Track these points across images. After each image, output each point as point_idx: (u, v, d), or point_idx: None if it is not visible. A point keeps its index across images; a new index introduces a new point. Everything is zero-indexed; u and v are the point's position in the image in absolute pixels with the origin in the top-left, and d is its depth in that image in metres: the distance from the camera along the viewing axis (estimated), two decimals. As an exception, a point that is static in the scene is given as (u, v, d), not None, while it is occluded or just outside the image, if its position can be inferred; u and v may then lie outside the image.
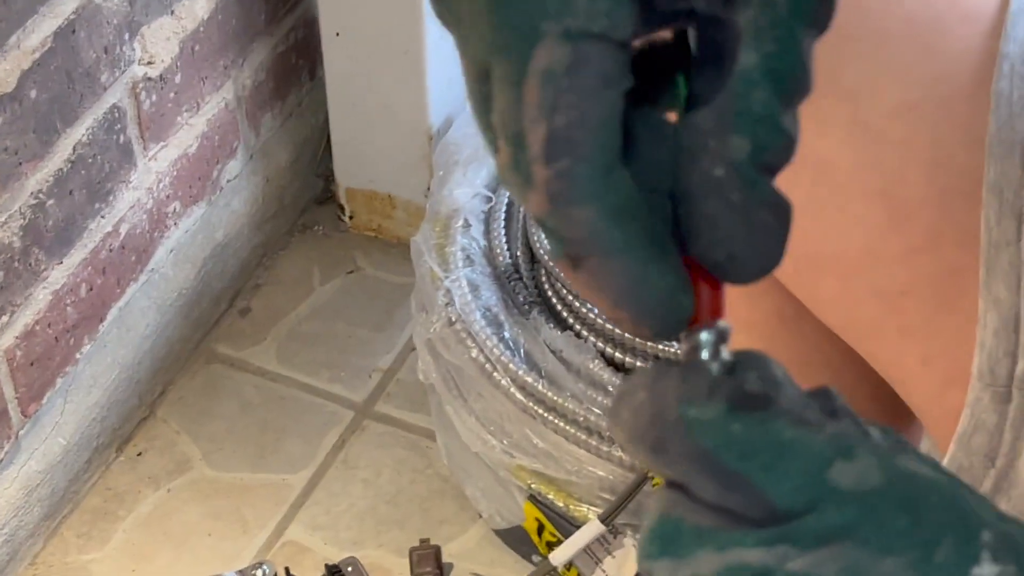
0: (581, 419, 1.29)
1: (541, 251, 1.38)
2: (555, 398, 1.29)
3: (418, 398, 1.52)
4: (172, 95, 1.44)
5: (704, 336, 0.42)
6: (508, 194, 1.45)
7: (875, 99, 0.69)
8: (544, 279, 1.38)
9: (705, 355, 0.42)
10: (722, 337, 0.42)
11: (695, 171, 0.41)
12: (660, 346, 1.29)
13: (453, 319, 1.34)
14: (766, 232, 0.41)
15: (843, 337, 0.75)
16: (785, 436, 0.40)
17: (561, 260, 0.41)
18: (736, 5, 0.40)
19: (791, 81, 0.40)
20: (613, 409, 0.42)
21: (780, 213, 0.41)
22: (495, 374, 1.32)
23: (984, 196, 0.67)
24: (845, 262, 0.72)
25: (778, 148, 0.41)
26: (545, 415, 1.30)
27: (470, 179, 1.44)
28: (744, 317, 0.81)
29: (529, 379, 1.30)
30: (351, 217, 1.68)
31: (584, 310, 1.33)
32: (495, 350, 1.32)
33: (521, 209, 1.44)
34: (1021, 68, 0.67)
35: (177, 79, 1.44)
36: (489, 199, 1.44)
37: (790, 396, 0.41)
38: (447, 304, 1.35)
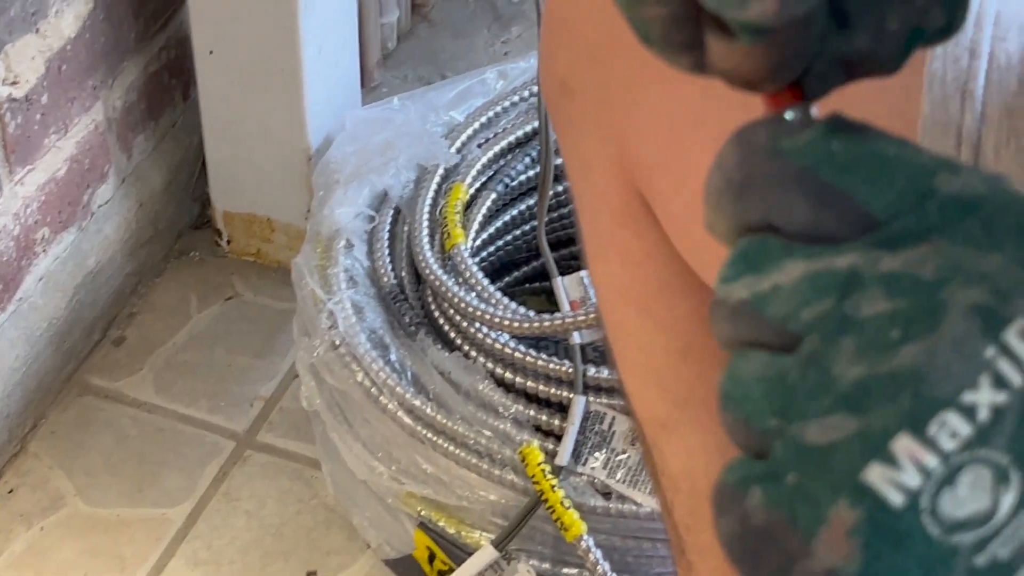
0: (471, 442, 1.25)
1: (427, 271, 1.34)
2: (444, 421, 1.26)
3: (301, 426, 1.48)
4: (39, 116, 1.38)
5: (788, 114, 0.41)
6: (392, 213, 1.41)
7: None
8: (430, 299, 1.35)
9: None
10: (808, 115, 0.41)
11: None
12: (552, 365, 1.26)
13: (337, 342, 1.30)
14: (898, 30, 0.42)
15: None
16: (888, 152, 0.39)
17: (742, 45, 0.40)
18: None
19: None
20: (705, 189, 0.41)
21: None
22: (381, 398, 1.28)
23: None
24: None
25: None
26: (434, 439, 1.26)
27: (351, 198, 1.40)
28: (662, 318, 0.79)
29: (417, 402, 1.26)
30: (229, 241, 1.63)
31: (472, 330, 1.30)
32: (381, 373, 1.28)
33: (406, 228, 1.40)
34: (953, 49, 0.66)
35: (44, 100, 1.39)
36: (372, 219, 1.40)
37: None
38: (330, 327, 1.31)
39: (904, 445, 0.37)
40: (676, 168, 0.74)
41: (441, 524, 1.27)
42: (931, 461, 0.37)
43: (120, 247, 1.55)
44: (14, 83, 1.34)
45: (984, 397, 0.38)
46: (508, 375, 1.27)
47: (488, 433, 1.25)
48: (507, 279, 1.50)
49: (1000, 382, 0.38)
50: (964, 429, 0.37)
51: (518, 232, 1.48)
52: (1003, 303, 0.38)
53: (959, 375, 0.37)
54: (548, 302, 1.52)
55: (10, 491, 1.43)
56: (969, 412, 0.37)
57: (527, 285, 1.53)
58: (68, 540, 1.40)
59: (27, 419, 1.46)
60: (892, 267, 0.38)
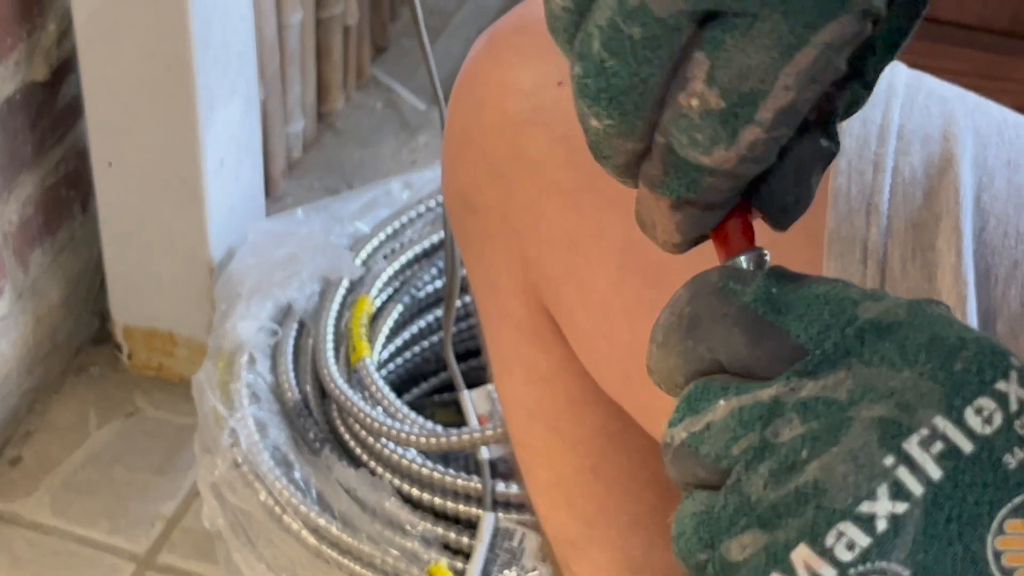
0: (378, 562, 1.22)
1: (332, 386, 1.31)
2: (350, 540, 1.23)
3: (205, 546, 1.44)
4: (-70, 231, 1.35)
5: (743, 259, 0.44)
6: (296, 327, 1.38)
7: None
8: (336, 414, 1.32)
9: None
10: (762, 259, 0.45)
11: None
12: (460, 481, 1.24)
13: (239, 460, 1.27)
14: (816, 180, 0.44)
15: None
16: (819, 290, 0.41)
17: (667, 197, 0.43)
18: None
19: (895, 52, 0.43)
20: (654, 328, 0.44)
21: (828, 163, 0.44)
22: (285, 517, 1.24)
23: None
24: None
25: (861, 105, 0.43)
26: (340, 559, 1.23)
27: (254, 312, 1.37)
28: (571, 435, 0.77)
29: (322, 521, 1.23)
30: (130, 356, 1.60)
31: (379, 446, 1.27)
32: (284, 492, 1.25)
33: (311, 342, 1.37)
34: (858, 163, 0.65)
35: (-64, 214, 1.35)
36: (275, 333, 1.37)
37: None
38: (232, 445, 1.28)
39: (802, 556, 0.38)
40: (579, 280, 0.73)
41: (348, 647, 1.24)
42: (828, 571, 0.38)
43: (16, 364, 1.51)
44: (-96, 198, 1.31)
45: (882, 507, 0.38)
46: (415, 492, 1.25)
47: (395, 552, 1.22)
48: (415, 391, 1.47)
49: (900, 492, 0.38)
50: (862, 540, 0.38)
51: (426, 344, 1.46)
52: (907, 415, 0.39)
53: (855, 485, 0.38)
54: (458, 413, 1.50)
55: (-101, 620, 1.38)
56: (867, 522, 0.38)
57: (435, 397, 1.50)
58: (-40, 670, 1.35)
59: (-83, 544, 1.41)
60: (811, 393, 0.40)
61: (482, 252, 0.79)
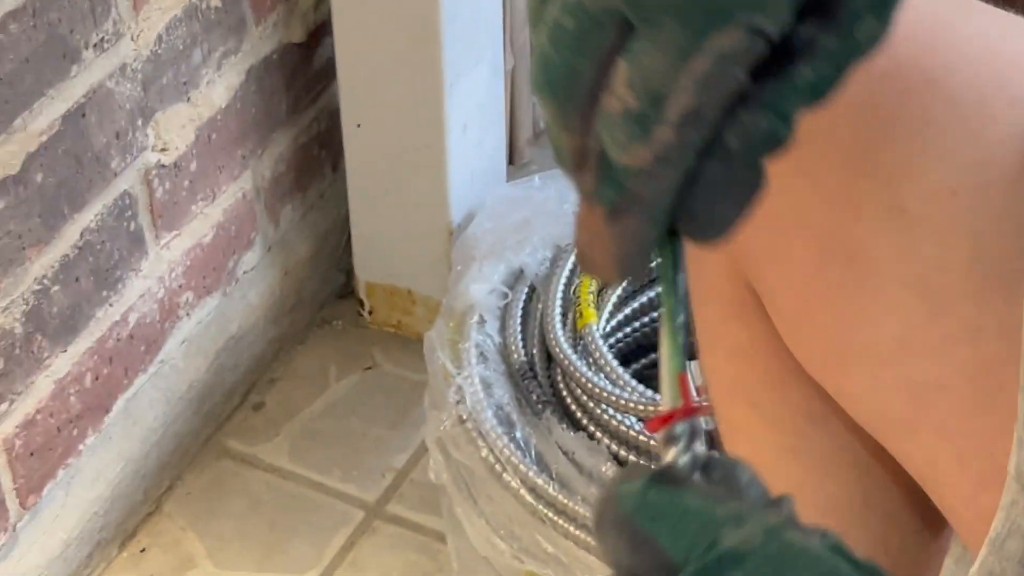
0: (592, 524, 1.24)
1: (557, 351, 1.34)
2: (566, 502, 1.25)
3: (430, 499, 1.48)
4: (187, 183, 1.42)
5: (679, 428, 0.48)
6: (526, 291, 1.41)
7: (914, 183, 0.66)
8: (560, 378, 1.35)
9: (680, 446, 0.48)
10: (695, 432, 0.48)
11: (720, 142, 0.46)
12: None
13: (464, 417, 1.31)
14: (745, 202, 0.46)
15: (873, 434, 0.72)
16: (691, 504, 0.45)
17: (602, 206, 0.47)
18: (827, 29, 0.45)
19: (820, 98, 0.45)
20: None
21: (758, 193, 0.46)
22: (505, 475, 1.28)
23: None
24: (877, 352, 0.69)
25: (782, 141, 0.46)
26: (555, 519, 1.26)
27: (486, 275, 1.40)
28: (771, 413, 0.78)
29: (539, 481, 1.26)
30: (371, 312, 1.65)
31: (599, 411, 1.29)
32: (505, 450, 1.28)
33: (539, 306, 1.40)
34: None
35: (192, 167, 1.42)
36: (505, 295, 1.41)
37: (743, 481, 0.47)
38: (458, 402, 1.31)
39: None
40: (782, 261, 0.73)
41: (559, 606, 1.26)
42: None
43: (263, 313, 1.58)
44: (163, 150, 1.38)
45: None
46: (632, 458, 1.27)
47: (609, 516, 1.24)
48: (643, 361, 1.49)
49: None
50: None
51: (655, 315, 1.48)
52: None
53: None
54: (684, 385, 1.51)
55: (142, 550, 1.46)
56: None
57: (663, 368, 1.51)
58: (196, 601, 1.42)
59: (163, 480, 1.49)
60: None
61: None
